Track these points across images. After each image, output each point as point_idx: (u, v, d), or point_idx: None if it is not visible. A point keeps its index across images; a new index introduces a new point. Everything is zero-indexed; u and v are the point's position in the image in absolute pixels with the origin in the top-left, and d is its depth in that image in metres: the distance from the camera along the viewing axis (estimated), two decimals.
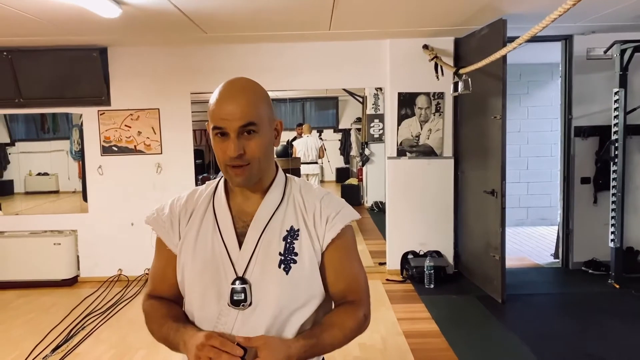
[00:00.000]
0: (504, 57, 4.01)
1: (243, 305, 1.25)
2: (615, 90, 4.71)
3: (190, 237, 1.34)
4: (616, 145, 4.72)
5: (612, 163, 4.79)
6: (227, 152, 1.22)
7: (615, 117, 4.72)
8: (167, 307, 1.37)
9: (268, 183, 1.34)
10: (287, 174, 1.42)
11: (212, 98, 1.25)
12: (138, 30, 4.50)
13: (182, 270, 1.34)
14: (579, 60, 5.16)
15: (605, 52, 4.87)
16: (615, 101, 4.70)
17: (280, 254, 1.29)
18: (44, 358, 3.55)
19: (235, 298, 1.25)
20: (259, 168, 1.28)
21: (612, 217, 4.75)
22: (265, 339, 1.18)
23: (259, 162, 1.26)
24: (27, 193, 6.50)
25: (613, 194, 4.76)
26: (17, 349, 3.73)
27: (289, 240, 1.30)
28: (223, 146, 1.23)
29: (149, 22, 4.22)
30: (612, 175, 4.77)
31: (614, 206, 4.75)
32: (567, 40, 5.21)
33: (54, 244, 5.25)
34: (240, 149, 1.22)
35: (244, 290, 1.25)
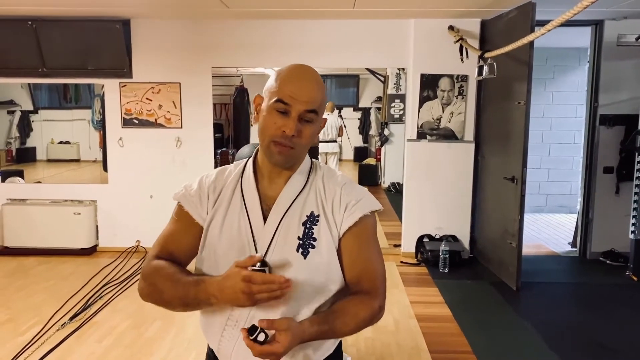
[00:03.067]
0: (531, 42, 3.92)
1: None
2: None
3: (218, 215, 1.36)
4: None
5: (637, 153, 4.69)
6: (281, 128, 1.25)
7: None
8: (176, 266, 1.35)
9: (295, 168, 1.37)
10: (313, 159, 1.44)
11: (279, 73, 1.29)
12: (161, 3, 4.48)
13: (208, 247, 1.36)
14: (608, 46, 5.02)
15: (637, 39, 4.74)
16: None
17: (299, 238, 1.31)
18: (62, 325, 3.64)
19: None
20: (300, 154, 1.33)
21: (634, 209, 4.67)
22: (288, 323, 1.18)
23: (303, 149, 1.31)
24: (49, 160, 6.59)
25: (636, 185, 4.67)
26: (37, 315, 3.83)
27: (308, 226, 1.32)
28: (280, 122, 1.26)
29: None
30: (637, 166, 4.67)
31: (636, 197, 4.66)
32: (597, 25, 5.06)
33: (74, 213, 5.35)
34: (296, 131, 1.26)
35: (263, 272, 1.26)
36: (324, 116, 1.36)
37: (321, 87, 1.30)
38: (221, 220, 1.35)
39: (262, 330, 1.15)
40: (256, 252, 1.30)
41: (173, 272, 1.32)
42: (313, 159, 1.44)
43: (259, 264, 1.27)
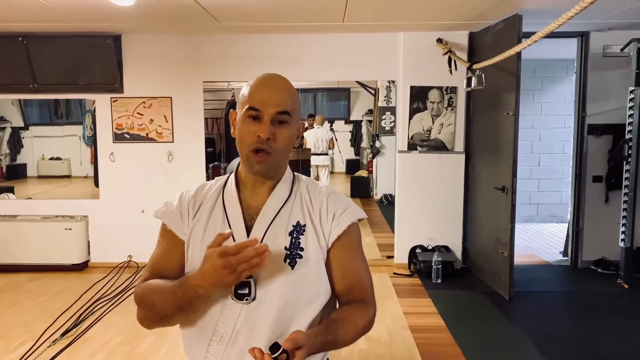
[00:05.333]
0: (519, 53, 3.98)
1: (247, 299, 1.25)
2: (631, 88, 4.65)
3: (198, 229, 1.34)
4: (630, 144, 4.67)
5: (625, 162, 4.75)
6: (256, 133, 1.25)
7: (630, 116, 4.67)
8: (162, 279, 1.32)
9: (278, 179, 1.36)
10: (295, 172, 1.43)
11: (250, 84, 1.31)
12: (152, 18, 4.51)
13: (190, 261, 1.34)
14: (594, 57, 5.10)
15: (622, 49, 4.80)
16: (631, 100, 4.65)
17: (286, 248, 1.29)
18: (53, 341, 3.60)
19: (239, 292, 1.25)
20: (280, 159, 1.32)
21: (624, 217, 4.72)
22: (305, 337, 1.15)
23: (281, 154, 1.30)
24: (39, 177, 6.56)
25: (625, 194, 4.72)
26: (28, 331, 3.79)
27: (295, 235, 1.31)
28: (253, 128, 1.26)
29: (162, 11, 4.22)
30: (625, 175, 4.73)
31: (625, 205, 4.71)
32: (583, 36, 5.14)
33: (65, 229, 5.31)
34: (271, 134, 1.26)
35: (248, 284, 1.25)
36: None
37: (291, 93, 1.32)
38: (201, 233, 1.33)
39: (285, 351, 1.11)
40: None
41: (158, 284, 1.31)
42: (294, 172, 1.43)
43: None
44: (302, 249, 1.30)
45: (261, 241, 1.29)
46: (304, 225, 1.32)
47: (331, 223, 1.33)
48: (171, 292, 1.24)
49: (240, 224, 1.32)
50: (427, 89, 5.16)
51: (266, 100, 1.26)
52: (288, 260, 1.29)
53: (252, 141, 1.26)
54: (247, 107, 1.27)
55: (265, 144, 1.25)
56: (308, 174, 8.50)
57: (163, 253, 1.39)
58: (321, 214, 1.34)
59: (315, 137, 9.07)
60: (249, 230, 1.31)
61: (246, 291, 1.25)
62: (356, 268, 1.37)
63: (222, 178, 1.43)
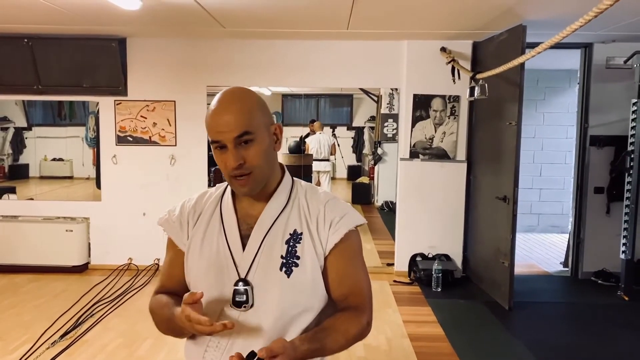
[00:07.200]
0: (522, 64, 3.98)
1: (245, 307, 1.27)
2: (634, 100, 4.66)
3: (197, 238, 1.37)
4: (632, 156, 4.67)
5: (627, 174, 4.75)
6: (227, 164, 1.24)
7: (633, 127, 4.67)
8: (168, 298, 1.38)
9: (273, 187, 1.36)
10: (294, 178, 1.43)
11: (207, 112, 1.27)
12: (157, 22, 4.53)
13: (189, 270, 1.37)
14: (598, 68, 5.10)
15: (625, 61, 4.81)
16: (634, 112, 4.66)
17: (282, 257, 1.31)
18: (52, 344, 3.60)
19: (237, 299, 1.27)
20: (262, 175, 1.29)
21: (625, 229, 4.71)
22: (283, 345, 1.15)
23: (260, 169, 1.27)
24: (41, 177, 6.57)
25: (626, 205, 4.72)
26: (27, 333, 3.79)
27: (291, 244, 1.32)
28: (223, 158, 1.25)
29: (168, 15, 4.24)
30: (627, 187, 4.73)
31: (626, 217, 4.71)
32: (586, 48, 5.15)
33: (66, 230, 5.31)
34: (240, 159, 1.23)
35: (246, 292, 1.27)
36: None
37: (246, 105, 1.25)
38: (199, 242, 1.36)
39: (260, 358, 1.12)
40: (237, 273, 1.30)
41: (161, 307, 1.36)
42: (294, 178, 1.43)
43: (241, 283, 1.28)
44: (298, 257, 1.31)
45: (257, 250, 1.31)
46: (301, 234, 1.33)
47: (328, 231, 1.33)
48: (167, 320, 1.32)
49: (235, 235, 1.34)
50: (430, 97, 5.17)
51: (222, 128, 1.22)
52: (284, 269, 1.30)
53: (226, 170, 1.26)
54: (210, 140, 1.26)
55: (238, 170, 1.24)
56: (310, 180, 8.49)
57: (168, 265, 1.45)
58: (318, 222, 1.34)
59: (317, 142, 9.08)
60: (244, 239, 1.33)
61: (244, 298, 1.28)
62: (353, 275, 1.37)
63: (222, 186, 1.44)
